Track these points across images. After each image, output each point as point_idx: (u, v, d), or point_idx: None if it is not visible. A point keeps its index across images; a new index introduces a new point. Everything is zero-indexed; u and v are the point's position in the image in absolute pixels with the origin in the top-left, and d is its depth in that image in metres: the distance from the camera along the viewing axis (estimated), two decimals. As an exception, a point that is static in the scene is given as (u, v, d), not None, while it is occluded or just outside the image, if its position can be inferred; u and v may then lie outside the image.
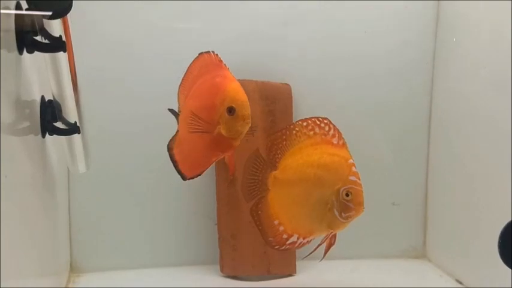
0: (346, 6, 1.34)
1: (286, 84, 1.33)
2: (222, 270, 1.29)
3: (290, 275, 1.31)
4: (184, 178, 1.02)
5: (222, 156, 1.05)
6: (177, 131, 1.04)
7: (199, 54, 1.04)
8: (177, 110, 1.06)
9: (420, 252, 1.44)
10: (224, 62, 1.02)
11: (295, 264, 1.32)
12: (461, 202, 1.26)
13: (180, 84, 1.05)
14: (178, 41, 1.27)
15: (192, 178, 1.02)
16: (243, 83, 1.29)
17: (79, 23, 0.86)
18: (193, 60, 1.04)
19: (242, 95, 1.00)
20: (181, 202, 1.32)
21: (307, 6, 1.33)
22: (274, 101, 1.31)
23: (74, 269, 1.28)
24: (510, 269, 0.92)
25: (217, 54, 1.02)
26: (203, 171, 1.02)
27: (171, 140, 1.04)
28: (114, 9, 1.24)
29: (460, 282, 1.28)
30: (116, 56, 1.26)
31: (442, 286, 1.28)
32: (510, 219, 0.93)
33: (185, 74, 1.05)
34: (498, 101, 1.10)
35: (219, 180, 1.28)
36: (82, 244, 1.29)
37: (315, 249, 1.07)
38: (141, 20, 1.27)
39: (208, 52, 1.02)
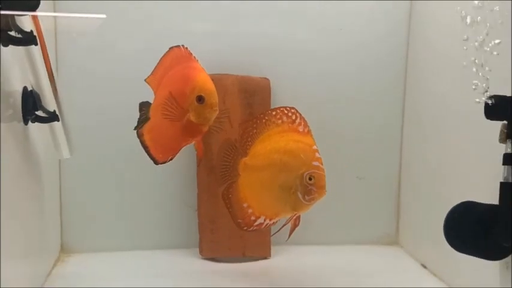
0: (323, 4, 1.40)
1: (265, 78, 1.39)
2: (201, 252, 1.37)
3: (265, 258, 1.37)
4: (156, 162, 1.10)
5: (192, 142, 1.11)
6: (147, 118, 1.10)
7: (170, 48, 1.11)
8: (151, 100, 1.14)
9: (393, 239, 1.49)
10: (194, 54, 1.09)
11: (270, 248, 1.38)
12: (431, 193, 1.31)
13: (150, 75, 1.11)
14: (159, 37, 1.32)
15: (164, 162, 1.09)
16: (223, 76, 1.37)
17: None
18: (165, 54, 1.11)
19: (210, 85, 1.07)
20: (165, 190, 1.40)
21: (286, 5, 1.39)
22: (252, 94, 1.37)
23: (64, 249, 1.37)
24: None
25: (187, 48, 1.09)
26: (174, 156, 1.09)
27: (139, 127, 1.10)
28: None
29: (425, 267, 1.33)
30: (101, 51, 1.33)
31: (406, 269, 1.34)
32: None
33: (156, 66, 1.12)
34: (467, 95, 1.15)
35: (200, 170, 1.35)
36: (72, 227, 1.37)
37: (280, 229, 1.14)
38: (125, 19, 1.34)
39: (178, 46, 1.09)
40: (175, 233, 1.41)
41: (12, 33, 0.85)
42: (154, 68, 1.13)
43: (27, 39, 0.85)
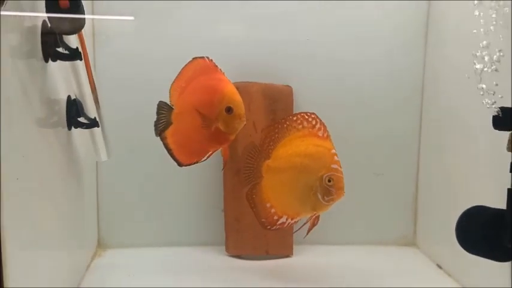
0: (344, 14, 1.46)
1: (288, 86, 1.46)
2: (227, 250, 1.45)
3: (287, 256, 1.44)
4: (180, 164, 1.18)
5: (219, 148, 1.19)
6: (169, 123, 1.17)
7: (193, 58, 1.17)
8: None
9: (410, 241, 1.54)
10: (219, 65, 1.16)
11: (292, 247, 1.45)
12: (447, 197, 1.36)
13: (172, 83, 1.18)
14: (186, 46, 1.37)
15: (188, 165, 1.17)
16: (248, 84, 1.44)
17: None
18: (187, 64, 1.17)
19: (238, 96, 1.15)
20: (193, 191, 1.48)
21: (308, 15, 1.45)
22: (276, 101, 1.44)
23: (101, 244, 1.47)
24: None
25: (211, 60, 1.16)
26: (199, 160, 1.17)
27: (161, 130, 1.17)
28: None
29: (440, 267, 1.38)
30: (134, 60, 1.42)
31: (422, 269, 1.39)
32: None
33: (178, 74, 1.18)
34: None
35: (226, 172, 1.43)
36: (108, 224, 1.47)
37: (300, 228, 1.21)
38: (155, 30, 1.42)
39: (202, 57, 1.16)
40: (203, 231, 1.49)
41: (60, 49, 0.95)
42: (176, 77, 1.19)
43: (73, 55, 0.95)
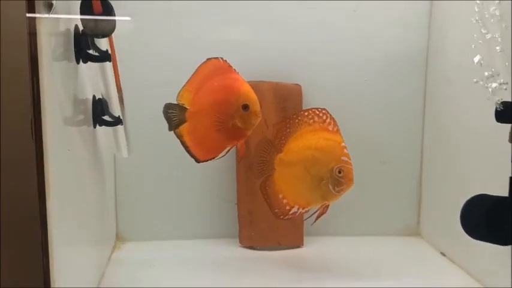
0: (350, 16, 1.53)
1: (297, 84, 1.52)
2: (240, 242, 1.51)
3: (298, 247, 1.51)
4: (197, 161, 1.23)
5: (236, 144, 1.24)
6: (183, 121, 1.22)
7: (207, 59, 1.21)
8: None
9: (415, 231, 1.62)
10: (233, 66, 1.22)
11: (302, 238, 1.51)
12: (449, 188, 1.43)
13: (186, 83, 1.22)
14: (201, 48, 1.39)
15: (205, 161, 1.23)
16: (259, 83, 1.50)
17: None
18: (201, 64, 1.22)
19: (254, 95, 1.21)
20: (208, 185, 1.54)
21: (316, 17, 1.52)
22: (286, 99, 1.51)
23: (119, 238, 1.53)
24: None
25: (225, 60, 1.21)
26: (216, 156, 1.22)
27: (176, 129, 1.22)
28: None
29: (444, 255, 1.46)
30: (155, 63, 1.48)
31: (427, 257, 1.47)
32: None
33: (192, 75, 1.22)
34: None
35: (239, 167, 1.50)
36: (126, 218, 1.53)
37: (310, 216, 1.27)
38: (172, 33, 1.48)
39: (216, 58, 1.21)
40: (217, 224, 1.55)
41: (91, 51, 1.02)
42: (191, 77, 1.23)
43: (103, 57, 1.02)
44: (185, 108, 1.24)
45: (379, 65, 1.55)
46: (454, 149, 1.41)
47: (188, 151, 1.25)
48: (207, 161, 1.25)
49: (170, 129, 1.24)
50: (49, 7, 0.78)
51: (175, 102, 1.23)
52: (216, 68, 1.23)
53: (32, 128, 0.94)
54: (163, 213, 1.54)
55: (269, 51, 1.52)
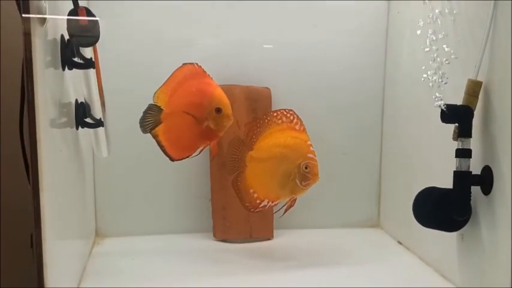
0: (312, 27, 1.65)
1: (266, 88, 1.62)
2: (214, 235, 1.60)
3: (268, 239, 1.61)
4: (172, 159, 1.32)
5: (209, 144, 1.34)
6: (158, 122, 1.30)
7: (183, 64, 1.30)
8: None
9: (375, 222, 1.75)
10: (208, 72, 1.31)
11: (272, 231, 1.61)
12: (405, 183, 1.55)
13: (162, 86, 1.30)
14: (175, 51, 1.53)
15: (180, 160, 1.31)
16: (232, 87, 1.58)
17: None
18: (177, 69, 1.30)
19: (226, 99, 1.31)
20: (183, 182, 1.62)
21: (283, 28, 1.63)
22: (256, 101, 1.60)
23: (98, 234, 1.60)
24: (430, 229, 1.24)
25: (200, 66, 1.30)
26: (190, 155, 1.31)
27: (150, 128, 1.30)
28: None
29: (400, 243, 1.59)
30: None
31: (385, 245, 1.60)
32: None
33: (168, 78, 1.30)
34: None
35: (212, 165, 1.59)
36: (104, 214, 1.60)
37: (279, 209, 1.37)
38: (138, 29, 1.54)
39: (192, 63, 1.30)
40: (192, 219, 1.64)
41: (76, 59, 1.10)
42: (167, 80, 1.31)
43: (87, 64, 1.10)
44: (161, 109, 1.32)
45: (340, 69, 1.67)
46: (409, 147, 1.54)
47: (163, 150, 1.33)
48: (181, 159, 1.34)
49: (143, 131, 1.32)
50: (42, 21, 0.87)
51: (154, 103, 1.31)
52: (191, 73, 1.32)
53: (20, 130, 1.03)
54: (141, 210, 1.62)
55: (241, 57, 1.62)
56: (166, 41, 1.57)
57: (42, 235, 0.90)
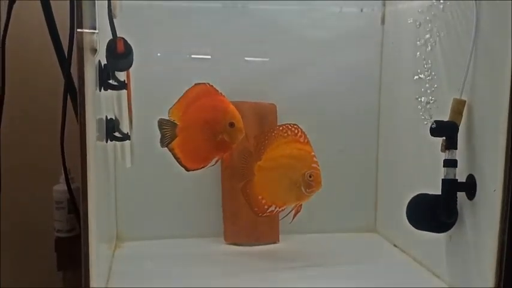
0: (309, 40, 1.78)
1: (272, 104, 1.75)
2: (225, 239, 1.72)
3: (274, 243, 1.72)
4: (187, 170, 1.45)
5: (223, 155, 1.47)
6: (174, 136, 1.43)
7: (195, 84, 1.43)
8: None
9: (372, 227, 1.88)
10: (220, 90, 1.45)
11: (278, 235, 1.74)
12: (401, 189, 1.65)
13: (176, 103, 1.43)
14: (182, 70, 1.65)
15: (194, 170, 1.44)
16: (240, 103, 1.66)
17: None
18: (189, 89, 1.43)
19: (238, 114, 1.46)
20: (197, 190, 1.74)
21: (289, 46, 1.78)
22: (263, 117, 1.73)
23: (119, 237, 1.72)
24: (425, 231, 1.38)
25: (212, 85, 1.43)
26: (205, 166, 1.45)
27: (167, 143, 1.43)
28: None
29: (396, 246, 1.73)
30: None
31: (382, 248, 1.74)
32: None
33: (181, 97, 1.43)
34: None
35: (223, 175, 1.71)
36: (124, 219, 1.72)
37: (287, 214, 1.50)
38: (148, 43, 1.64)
39: (203, 83, 1.43)
40: (204, 224, 1.75)
41: (111, 81, 1.25)
42: (180, 98, 1.44)
43: (121, 86, 1.25)
44: (175, 124, 1.45)
45: (337, 85, 1.81)
46: (403, 158, 1.67)
47: (179, 162, 1.47)
48: (196, 170, 1.47)
49: (162, 145, 1.45)
50: (94, 51, 1.02)
51: (167, 118, 1.45)
52: (203, 92, 1.46)
53: (61, 141, 1.17)
54: (159, 215, 1.74)
55: (249, 75, 1.75)
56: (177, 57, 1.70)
57: (89, 238, 1.04)
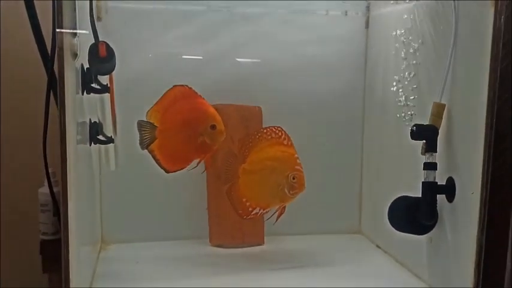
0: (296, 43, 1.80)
1: (258, 107, 1.76)
2: (210, 241, 1.73)
3: (259, 245, 1.74)
4: (167, 171, 1.44)
5: (204, 157, 1.48)
6: (154, 138, 1.43)
7: (174, 86, 1.42)
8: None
9: (357, 229, 1.91)
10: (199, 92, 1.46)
11: (263, 237, 1.75)
12: (384, 191, 1.68)
13: (154, 105, 1.43)
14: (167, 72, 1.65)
15: (174, 171, 1.45)
16: (225, 106, 1.70)
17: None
18: (168, 90, 1.42)
19: (219, 116, 1.47)
20: (182, 192, 1.75)
21: (273, 52, 1.79)
22: (248, 119, 1.73)
23: (103, 240, 1.73)
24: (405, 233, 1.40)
25: (191, 88, 1.44)
26: (184, 167, 1.45)
27: (147, 145, 1.43)
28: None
29: (379, 247, 1.75)
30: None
31: (365, 249, 1.77)
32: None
33: (160, 98, 1.43)
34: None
35: (209, 178, 1.72)
36: (109, 222, 1.73)
37: (271, 216, 1.52)
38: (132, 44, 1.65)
39: (182, 85, 1.42)
40: (190, 226, 1.76)
41: (94, 85, 1.26)
42: (159, 100, 1.44)
43: (103, 89, 1.26)
44: (155, 126, 1.45)
45: (321, 88, 1.83)
46: (388, 158, 1.70)
47: (158, 164, 1.47)
48: (176, 171, 1.47)
49: (142, 148, 1.46)
50: (74, 56, 1.03)
51: (146, 120, 1.45)
52: (182, 94, 1.46)
53: (44, 143, 1.17)
54: (143, 217, 1.74)
55: (235, 77, 1.76)
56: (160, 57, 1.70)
57: (70, 241, 1.05)
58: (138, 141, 1.45)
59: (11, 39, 1.73)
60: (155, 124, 1.45)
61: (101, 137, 1.40)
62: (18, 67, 1.80)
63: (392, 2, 1.65)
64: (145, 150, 1.45)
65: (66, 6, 1.00)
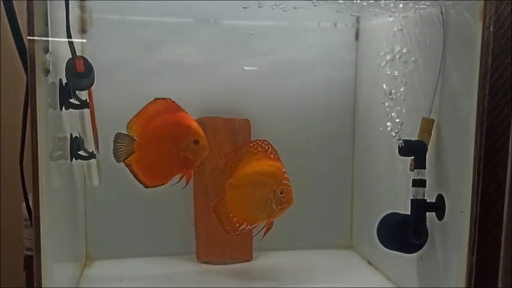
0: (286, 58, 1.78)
1: (246, 119, 1.73)
2: (198, 257, 1.69)
3: (248, 261, 1.71)
4: (146, 187, 1.39)
5: (186, 172, 1.43)
6: (132, 151, 1.37)
7: (155, 99, 1.38)
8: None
9: (348, 244, 1.87)
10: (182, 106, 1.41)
11: (252, 253, 1.72)
12: (375, 207, 1.65)
13: (134, 117, 1.37)
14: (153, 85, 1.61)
15: (154, 187, 1.40)
16: (213, 119, 1.69)
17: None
18: (149, 103, 1.38)
19: (202, 131, 1.43)
20: (168, 208, 1.71)
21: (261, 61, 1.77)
22: (236, 133, 1.70)
23: (88, 256, 1.69)
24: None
25: (174, 101, 1.39)
26: (166, 183, 1.41)
27: (123, 158, 1.37)
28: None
29: (370, 263, 1.72)
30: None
31: (356, 265, 1.73)
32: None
33: (140, 111, 1.38)
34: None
35: (196, 193, 1.69)
36: (94, 238, 1.70)
37: (258, 232, 1.47)
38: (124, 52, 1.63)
39: (164, 98, 1.38)
40: (176, 242, 1.73)
41: (72, 100, 1.23)
42: (139, 112, 1.38)
43: (82, 105, 1.23)
44: (133, 139, 1.39)
45: (312, 100, 1.81)
46: (379, 173, 1.66)
47: (136, 178, 1.41)
48: (156, 187, 1.42)
49: (117, 160, 1.40)
50: (46, 72, 1.00)
51: (125, 132, 1.39)
52: (164, 107, 1.41)
53: (21, 160, 1.15)
54: (129, 233, 1.71)
55: (223, 91, 1.73)
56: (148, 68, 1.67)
57: (42, 259, 1.01)
58: (113, 154, 1.39)
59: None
60: (134, 137, 1.40)
61: (82, 153, 1.37)
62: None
63: (382, 14, 1.62)
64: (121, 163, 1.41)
65: (38, 22, 0.97)
